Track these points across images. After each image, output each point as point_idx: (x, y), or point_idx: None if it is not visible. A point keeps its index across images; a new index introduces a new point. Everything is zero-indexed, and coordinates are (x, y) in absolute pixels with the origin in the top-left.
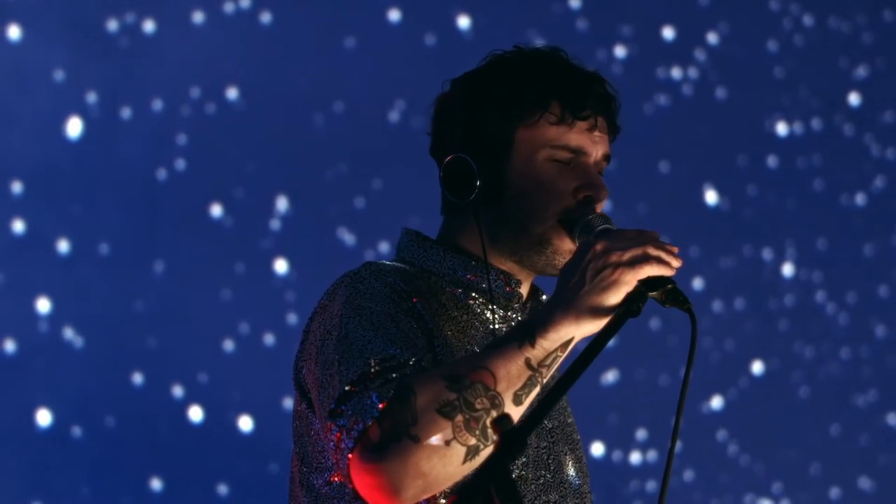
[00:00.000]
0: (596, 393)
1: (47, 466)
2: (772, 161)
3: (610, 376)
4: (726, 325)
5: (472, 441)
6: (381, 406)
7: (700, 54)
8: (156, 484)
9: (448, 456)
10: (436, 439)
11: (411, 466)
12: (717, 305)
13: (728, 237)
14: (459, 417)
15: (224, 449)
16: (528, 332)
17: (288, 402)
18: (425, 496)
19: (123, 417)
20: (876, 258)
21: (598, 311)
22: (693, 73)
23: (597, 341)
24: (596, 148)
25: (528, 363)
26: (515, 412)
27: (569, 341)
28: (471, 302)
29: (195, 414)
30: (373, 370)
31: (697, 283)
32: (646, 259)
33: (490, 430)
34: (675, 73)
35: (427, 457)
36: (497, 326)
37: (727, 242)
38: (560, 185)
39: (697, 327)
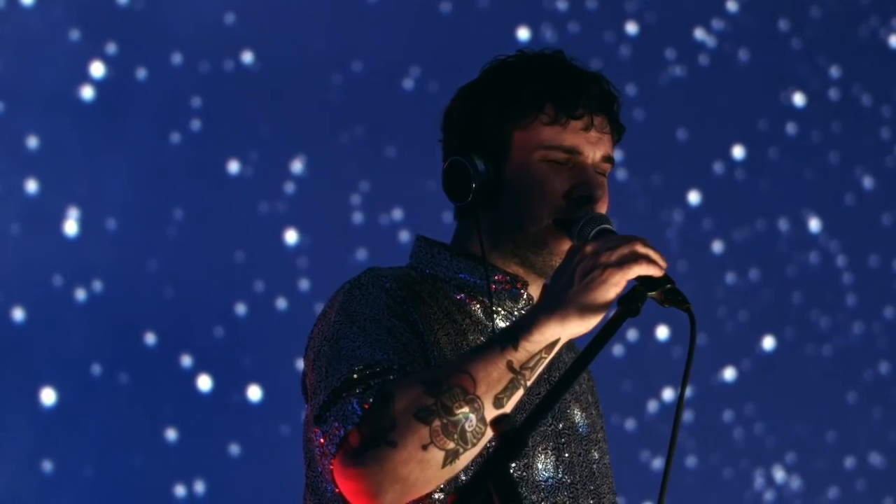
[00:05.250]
0: (609, 360)
1: (57, 427)
2: (790, 129)
3: (623, 344)
4: (740, 296)
5: (451, 445)
6: (360, 412)
7: (718, 24)
8: (168, 439)
9: (426, 461)
10: (413, 444)
11: (389, 472)
12: (730, 276)
13: (743, 207)
14: (437, 422)
15: (234, 415)
16: (511, 335)
17: (299, 365)
18: (406, 500)
19: (135, 377)
20: (893, 230)
21: (585, 312)
22: (711, 41)
23: (596, 342)
24: (593, 148)
25: (509, 366)
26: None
27: (554, 343)
28: (475, 306)
29: (204, 383)
30: (356, 376)
31: (714, 252)
32: (634, 258)
33: (469, 434)
34: (694, 38)
35: (404, 462)
36: (498, 330)
37: (742, 212)
38: (553, 186)
39: (696, 327)
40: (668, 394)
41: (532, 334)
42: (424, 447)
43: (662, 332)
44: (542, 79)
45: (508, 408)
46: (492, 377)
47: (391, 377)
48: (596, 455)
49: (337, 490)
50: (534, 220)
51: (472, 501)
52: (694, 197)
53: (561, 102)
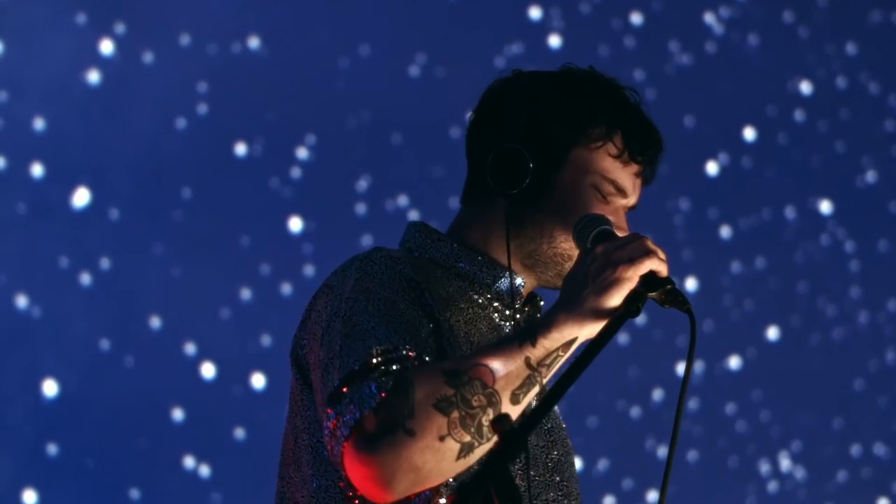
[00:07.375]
0: (614, 348)
1: (61, 412)
2: (797, 117)
3: (629, 332)
4: (746, 284)
5: (467, 438)
6: (379, 397)
7: (725, 11)
8: (173, 423)
9: (442, 451)
10: (431, 434)
11: (404, 460)
12: (736, 264)
13: (750, 195)
14: (455, 413)
15: (239, 400)
16: (530, 332)
17: None
18: (417, 490)
19: (140, 361)
20: None
21: (600, 311)
22: (718, 28)
23: (596, 342)
24: (633, 195)
25: (527, 362)
26: (513, 410)
27: (571, 342)
28: (475, 295)
29: (207, 371)
30: (374, 360)
31: (720, 240)
32: (646, 253)
33: (486, 428)
34: (701, 25)
35: (421, 451)
36: (500, 322)
37: (748, 201)
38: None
39: (697, 328)
40: (679, 368)
41: (550, 332)
42: (441, 438)
43: (668, 322)
44: (620, 109)
45: (524, 404)
46: (510, 373)
47: (408, 364)
48: (572, 461)
49: (344, 473)
50: (564, 238)
51: (471, 501)
52: (712, 168)
53: (632, 141)
